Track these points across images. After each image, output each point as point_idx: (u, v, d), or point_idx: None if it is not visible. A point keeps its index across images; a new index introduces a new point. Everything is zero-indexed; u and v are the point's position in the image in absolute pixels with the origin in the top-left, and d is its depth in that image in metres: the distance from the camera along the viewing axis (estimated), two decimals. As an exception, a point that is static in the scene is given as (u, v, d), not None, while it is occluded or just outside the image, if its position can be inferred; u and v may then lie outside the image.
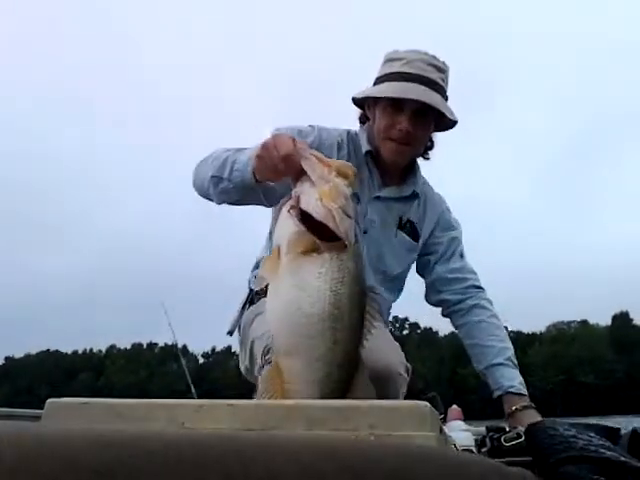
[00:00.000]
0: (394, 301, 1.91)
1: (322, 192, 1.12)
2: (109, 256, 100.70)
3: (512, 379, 1.76)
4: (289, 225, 1.13)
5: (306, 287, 1.08)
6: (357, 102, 1.82)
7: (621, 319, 67.14)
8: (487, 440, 1.56)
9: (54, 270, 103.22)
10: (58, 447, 0.40)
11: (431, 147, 1.84)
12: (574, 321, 70.26)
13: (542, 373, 61.27)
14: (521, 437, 1.56)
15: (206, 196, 1.56)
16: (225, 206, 1.56)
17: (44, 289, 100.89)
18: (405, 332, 72.69)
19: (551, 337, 67.46)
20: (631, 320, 66.91)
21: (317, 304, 1.08)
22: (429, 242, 1.90)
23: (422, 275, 1.95)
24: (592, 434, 1.35)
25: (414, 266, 1.94)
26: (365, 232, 1.75)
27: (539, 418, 1.76)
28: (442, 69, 1.71)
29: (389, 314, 1.93)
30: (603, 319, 68.53)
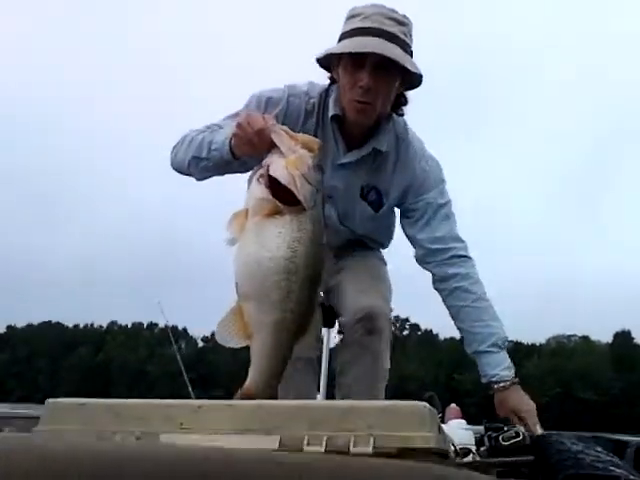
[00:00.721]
0: (388, 228, 2.02)
1: (288, 161, 1.30)
2: (116, 237, 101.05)
3: (496, 366, 1.81)
4: (257, 191, 1.31)
5: (266, 244, 1.27)
6: (323, 64, 1.80)
7: (622, 337, 66.73)
8: (485, 439, 1.57)
9: (62, 246, 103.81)
10: (50, 463, 0.40)
11: (404, 103, 1.83)
12: (575, 335, 69.89)
13: (539, 385, 61.03)
14: (519, 436, 1.57)
15: (187, 174, 1.74)
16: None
17: (51, 264, 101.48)
18: (405, 332, 72.48)
19: (551, 350, 67.10)
20: (632, 339, 66.54)
21: (274, 259, 1.26)
22: (404, 206, 1.91)
23: (407, 237, 1.98)
24: (599, 449, 1.34)
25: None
26: (330, 197, 1.81)
27: (522, 393, 1.82)
28: (402, 22, 1.69)
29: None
30: (605, 336, 68.15)
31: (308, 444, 1.04)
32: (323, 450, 1.02)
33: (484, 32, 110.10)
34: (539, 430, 1.75)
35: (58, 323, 78.70)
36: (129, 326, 77.84)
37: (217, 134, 1.62)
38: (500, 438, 1.74)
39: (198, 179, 1.74)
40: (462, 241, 1.92)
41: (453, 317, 1.90)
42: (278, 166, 1.31)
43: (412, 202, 1.88)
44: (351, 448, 1.02)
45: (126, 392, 59.73)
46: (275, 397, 1.35)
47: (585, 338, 68.85)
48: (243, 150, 1.49)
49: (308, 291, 1.30)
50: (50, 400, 1.27)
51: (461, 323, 1.87)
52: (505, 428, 1.53)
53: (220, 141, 1.58)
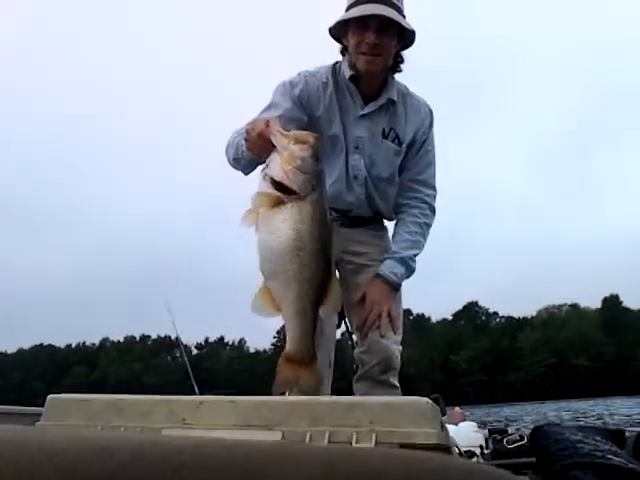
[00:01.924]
0: (394, 195, 2.22)
1: (281, 158, 1.49)
2: (100, 252, 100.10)
3: (385, 267, 2.05)
4: (262, 186, 1.51)
5: (274, 230, 1.47)
6: (335, 37, 2.11)
7: (611, 301, 67.62)
8: (490, 442, 1.57)
9: (46, 265, 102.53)
10: (57, 457, 0.39)
11: (401, 61, 2.13)
12: (565, 304, 70.72)
13: (533, 357, 61.75)
14: (523, 439, 1.58)
15: (238, 171, 1.97)
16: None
17: (37, 285, 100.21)
18: (398, 319, 72.63)
19: (542, 321, 67.82)
20: (621, 302, 67.49)
21: (282, 242, 1.46)
22: (410, 143, 2.17)
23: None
24: (598, 438, 1.35)
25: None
26: (357, 147, 2.11)
27: (387, 289, 2.00)
28: None
29: (394, 204, 2.23)
30: (594, 302, 69.02)
31: (310, 440, 1.04)
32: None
33: (483, 6, 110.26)
34: (384, 326, 1.92)
35: (50, 345, 78.00)
36: (122, 340, 77.38)
37: (242, 137, 1.83)
38: (504, 441, 1.75)
39: (245, 174, 1.94)
40: (434, 189, 2.21)
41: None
42: (274, 164, 1.50)
43: (415, 144, 2.17)
44: (353, 444, 1.02)
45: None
46: (313, 357, 1.51)
47: (574, 306, 69.71)
48: (254, 151, 1.70)
49: (320, 261, 1.50)
50: (52, 396, 1.25)
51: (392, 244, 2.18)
52: (509, 431, 1.54)
53: (243, 143, 1.81)
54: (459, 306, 74.72)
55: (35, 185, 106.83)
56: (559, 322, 65.91)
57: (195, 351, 73.52)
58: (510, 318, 71.68)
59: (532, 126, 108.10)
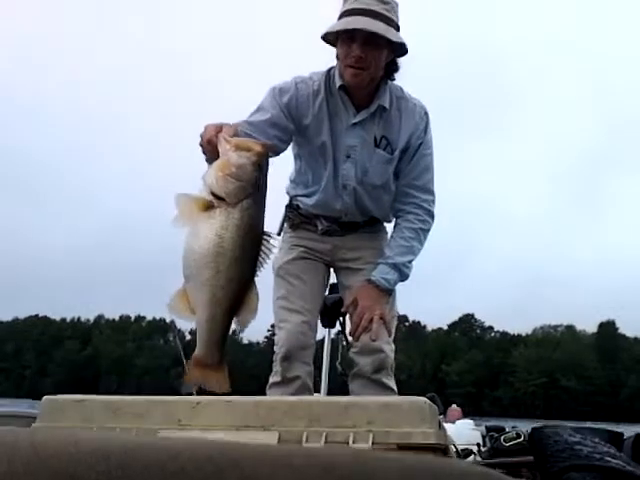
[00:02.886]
0: (390, 200, 2.21)
1: (217, 165, 1.50)
2: (104, 232, 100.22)
3: (378, 272, 2.05)
4: (200, 189, 1.51)
5: (197, 233, 1.48)
6: (330, 42, 2.08)
7: (607, 327, 67.40)
8: (487, 440, 1.57)
9: (51, 240, 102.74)
10: (51, 459, 0.39)
11: (396, 70, 2.10)
12: (561, 325, 70.50)
13: (525, 375, 61.57)
14: (520, 437, 1.57)
15: None
16: None
17: (40, 257, 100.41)
18: (393, 324, 72.57)
19: (537, 340, 67.60)
20: (617, 329, 67.24)
21: (202, 245, 1.46)
22: (404, 149, 2.14)
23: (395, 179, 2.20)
24: (597, 440, 1.33)
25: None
26: (349, 156, 2.10)
27: (377, 293, 2.00)
28: (385, 1, 1.98)
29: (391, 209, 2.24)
30: (590, 326, 68.77)
31: (307, 440, 1.04)
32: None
33: (502, 21, 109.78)
34: (376, 329, 1.92)
35: (45, 317, 78.12)
36: (116, 319, 77.45)
37: None
38: (501, 439, 1.75)
39: None
40: (432, 194, 2.17)
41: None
42: (210, 169, 1.51)
43: (410, 149, 2.14)
44: (350, 444, 1.02)
45: (115, 386, 59.65)
46: (221, 362, 1.50)
47: (570, 327, 69.48)
48: (206, 155, 1.68)
49: (239, 270, 1.49)
50: (47, 397, 1.25)
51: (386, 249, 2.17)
52: (506, 429, 1.53)
53: None
54: (455, 317, 74.59)
55: (47, 161, 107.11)
56: (553, 342, 65.66)
57: (189, 336, 73.49)
58: (505, 334, 71.47)
59: (548, 145, 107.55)
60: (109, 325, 76.16)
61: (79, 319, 78.92)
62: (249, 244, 1.50)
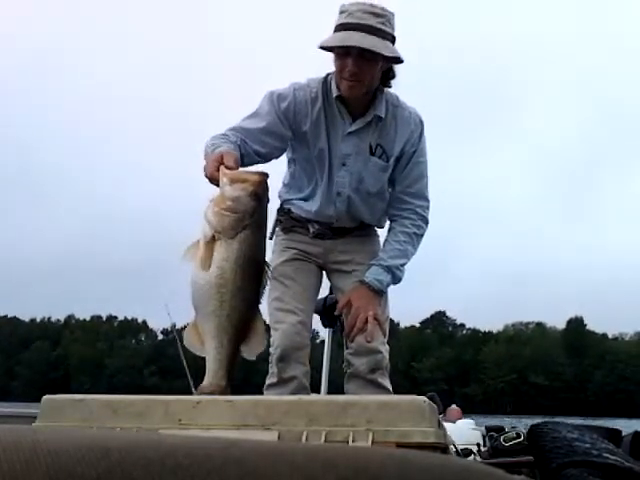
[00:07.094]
0: (383, 207, 2.25)
1: (214, 200, 1.55)
2: (74, 229, 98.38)
3: (370, 274, 2.07)
4: (203, 224, 1.55)
5: (202, 267, 1.52)
6: (326, 49, 2.08)
7: (575, 323, 68.68)
8: (487, 440, 1.56)
9: (19, 240, 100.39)
10: (51, 457, 0.39)
11: (393, 77, 2.13)
12: (532, 322, 71.63)
13: (495, 371, 62.43)
14: (520, 437, 1.58)
15: None
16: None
17: (7, 257, 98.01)
18: (366, 322, 72.76)
19: (507, 337, 68.57)
20: (585, 325, 68.60)
21: (205, 277, 1.52)
22: (398, 156, 2.17)
23: (390, 186, 2.25)
24: (595, 436, 1.35)
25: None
26: (344, 164, 2.13)
27: (371, 294, 2.04)
28: (380, 14, 1.97)
29: (385, 220, 2.28)
30: (560, 323, 70.00)
31: (307, 439, 1.04)
32: None
33: (502, 23, 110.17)
34: (371, 330, 1.93)
35: (15, 317, 76.41)
36: (87, 319, 76.18)
37: (212, 150, 1.82)
38: (501, 439, 1.76)
39: None
40: (427, 200, 2.21)
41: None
42: (210, 204, 1.56)
43: (405, 157, 2.17)
44: (350, 443, 1.02)
45: (86, 386, 58.60)
46: (225, 391, 1.49)
47: (540, 324, 70.67)
48: (211, 183, 1.70)
49: (242, 299, 1.53)
50: (47, 397, 1.24)
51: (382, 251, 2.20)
52: (506, 429, 1.54)
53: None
54: (428, 315, 75.32)
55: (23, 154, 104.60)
56: (523, 339, 66.72)
57: (160, 336, 72.76)
58: (476, 331, 72.35)
59: (540, 146, 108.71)
60: (80, 325, 74.91)
61: (49, 319, 77.49)
62: (251, 273, 1.55)
